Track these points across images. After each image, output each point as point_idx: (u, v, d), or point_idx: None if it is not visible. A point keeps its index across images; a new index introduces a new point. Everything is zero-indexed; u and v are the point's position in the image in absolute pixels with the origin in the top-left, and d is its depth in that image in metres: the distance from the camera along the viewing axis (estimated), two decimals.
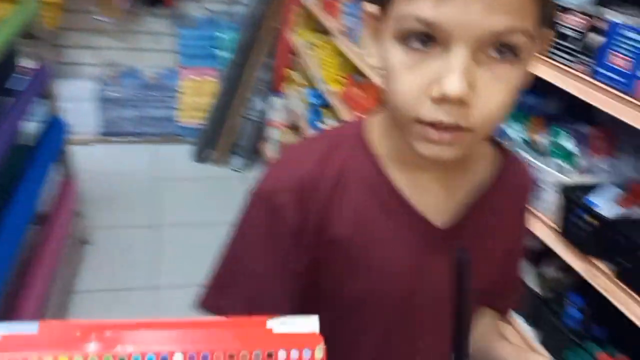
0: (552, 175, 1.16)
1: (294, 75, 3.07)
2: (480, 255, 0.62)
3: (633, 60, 0.96)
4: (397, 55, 0.54)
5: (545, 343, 1.28)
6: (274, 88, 3.22)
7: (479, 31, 0.50)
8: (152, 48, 3.50)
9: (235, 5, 3.50)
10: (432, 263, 0.66)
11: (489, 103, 0.53)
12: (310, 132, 2.70)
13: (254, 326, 0.40)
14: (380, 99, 0.66)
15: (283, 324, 0.40)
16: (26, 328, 0.38)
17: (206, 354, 0.38)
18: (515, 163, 0.74)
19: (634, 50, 0.96)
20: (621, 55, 0.98)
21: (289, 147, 0.75)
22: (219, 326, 0.40)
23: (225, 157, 3.34)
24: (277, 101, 3.20)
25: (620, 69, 0.98)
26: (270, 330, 0.40)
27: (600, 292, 1.06)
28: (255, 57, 3.14)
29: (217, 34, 3.41)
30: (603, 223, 1.04)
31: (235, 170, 3.29)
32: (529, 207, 0.77)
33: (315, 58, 2.66)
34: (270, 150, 3.25)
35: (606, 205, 1.10)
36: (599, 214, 1.06)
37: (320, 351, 0.39)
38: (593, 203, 1.10)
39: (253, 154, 3.32)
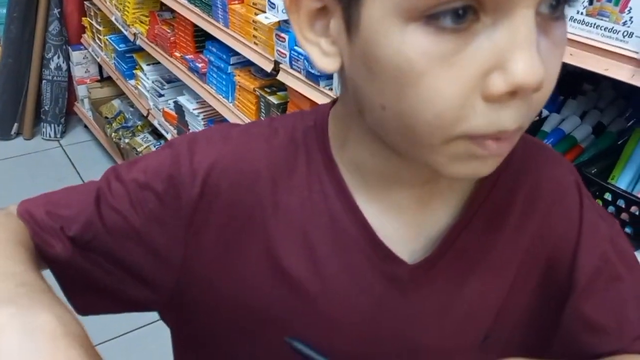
0: None
1: (92, 22, 2.79)
2: (472, 293, 0.49)
3: None
4: (418, 44, 0.34)
5: None
6: (72, 41, 2.90)
7: None
8: None
9: None
10: (393, 309, 0.49)
11: (551, 80, 0.37)
12: (126, 82, 2.52)
13: None
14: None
15: None
16: None
17: None
18: (538, 153, 0.53)
19: None
20: None
21: (228, 125, 0.55)
22: None
23: (34, 128, 2.99)
24: (79, 55, 2.89)
25: None
26: None
27: None
28: (40, 8, 2.77)
29: None
30: None
31: (49, 140, 2.98)
32: (586, 215, 0.52)
33: (110, 0, 2.43)
34: (84, 109, 2.97)
35: None
36: None
37: None
38: None
39: (65, 118, 3.01)
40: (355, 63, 0.39)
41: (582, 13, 0.81)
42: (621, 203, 0.86)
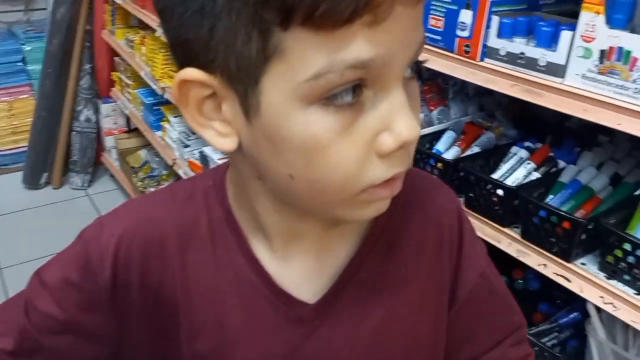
0: None
1: (121, 77, 2.91)
2: (377, 320, 0.54)
3: (444, 19, 1.10)
4: (322, 121, 0.39)
5: None
6: (101, 94, 3.03)
7: (412, 51, 0.41)
8: None
9: (32, 13, 3.19)
10: (304, 348, 0.53)
11: (417, 128, 0.44)
12: (153, 133, 2.61)
13: None
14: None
15: None
16: None
17: None
18: (425, 187, 0.60)
19: (444, 11, 1.10)
20: (436, 17, 1.11)
21: (131, 199, 0.62)
22: None
23: (63, 177, 3.08)
24: (107, 107, 3.01)
25: (437, 29, 1.11)
26: None
27: None
28: (73, 64, 2.91)
29: (21, 46, 3.08)
30: (447, 165, 1.19)
31: (77, 189, 3.06)
32: (467, 238, 0.60)
33: (140, 56, 2.55)
34: (111, 160, 3.07)
35: (447, 149, 1.25)
36: (443, 158, 1.20)
37: None
38: (437, 150, 1.25)
39: (93, 168, 3.11)
40: (256, 141, 0.43)
41: (594, 71, 0.85)
42: None
